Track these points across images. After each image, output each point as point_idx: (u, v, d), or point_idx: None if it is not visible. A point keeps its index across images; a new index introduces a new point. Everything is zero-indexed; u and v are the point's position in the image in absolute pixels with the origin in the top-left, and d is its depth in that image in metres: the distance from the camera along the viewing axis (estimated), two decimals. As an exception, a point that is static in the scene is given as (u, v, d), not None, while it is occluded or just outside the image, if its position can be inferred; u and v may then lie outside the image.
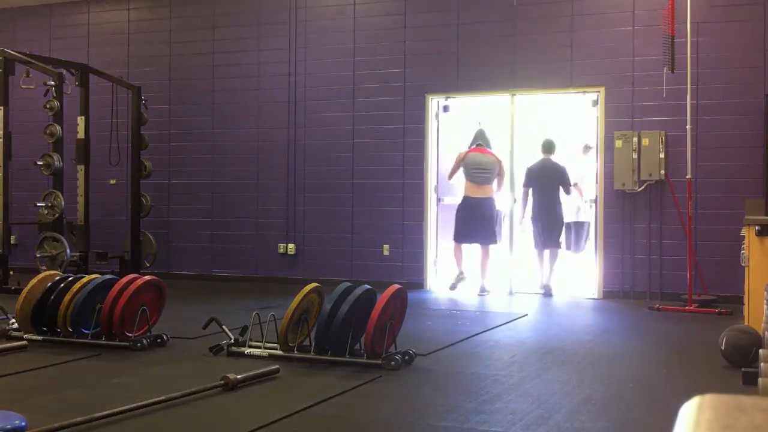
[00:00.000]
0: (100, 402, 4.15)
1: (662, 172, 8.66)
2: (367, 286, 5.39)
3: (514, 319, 7.46)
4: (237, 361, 5.29)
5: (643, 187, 8.79)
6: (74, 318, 5.83)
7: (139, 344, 5.71)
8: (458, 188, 9.67)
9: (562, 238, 9.67)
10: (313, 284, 5.61)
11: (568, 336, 6.77)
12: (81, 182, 9.92)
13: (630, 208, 8.88)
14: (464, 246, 9.42)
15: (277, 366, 4.96)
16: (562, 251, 9.73)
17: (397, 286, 5.41)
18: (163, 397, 4.19)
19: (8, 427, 3.08)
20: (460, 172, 9.48)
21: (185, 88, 10.83)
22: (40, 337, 5.99)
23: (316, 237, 10.15)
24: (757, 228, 5.83)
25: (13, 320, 6.27)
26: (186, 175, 10.80)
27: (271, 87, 10.38)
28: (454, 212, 9.65)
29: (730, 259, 8.03)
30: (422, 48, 9.74)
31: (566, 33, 9.15)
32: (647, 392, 4.66)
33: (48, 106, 9.38)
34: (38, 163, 9.41)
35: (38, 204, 9.40)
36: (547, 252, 9.40)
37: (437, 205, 9.82)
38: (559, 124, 11.05)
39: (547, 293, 9.18)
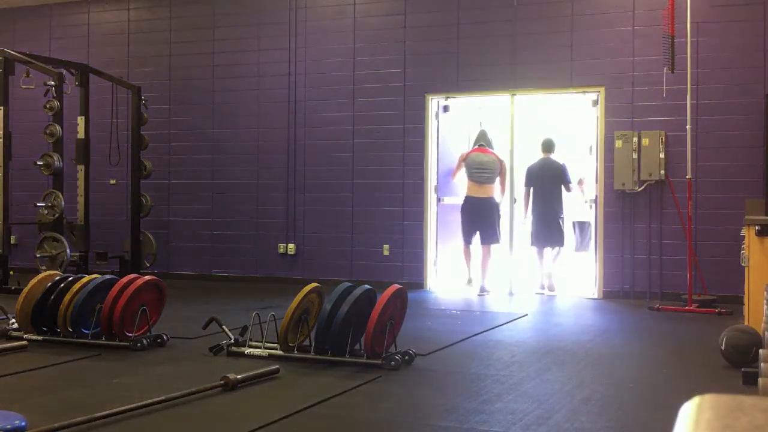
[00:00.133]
0: (100, 402, 4.15)
1: (662, 172, 8.66)
2: (367, 286, 5.39)
3: (514, 319, 7.46)
4: (237, 361, 5.29)
5: (643, 187, 8.79)
6: (74, 318, 5.83)
7: (139, 344, 5.71)
8: (461, 188, 9.69)
9: (571, 238, 9.74)
10: (313, 284, 5.62)
11: (568, 336, 6.77)
12: (81, 182, 9.92)
13: (630, 208, 8.89)
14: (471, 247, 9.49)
15: (277, 366, 4.96)
16: (565, 250, 9.75)
17: (397, 286, 5.41)
18: (163, 397, 4.18)
19: (8, 427, 3.08)
20: (462, 172, 9.51)
21: (185, 88, 10.83)
22: (40, 337, 5.99)
23: (316, 237, 10.15)
24: (757, 228, 5.83)
25: (13, 320, 6.27)
26: (186, 175, 10.80)
27: (271, 87, 10.38)
28: (454, 212, 9.70)
29: (730, 259, 8.03)
30: (422, 48, 9.74)
31: (566, 33, 9.15)
32: (647, 392, 4.66)
33: (48, 106, 9.38)
34: (38, 163, 9.41)
35: (38, 204, 9.40)
36: (548, 250, 9.45)
37: (437, 205, 9.82)
38: (559, 124, 11.07)
39: (551, 289, 9.26)
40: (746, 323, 5.75)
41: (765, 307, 4.47)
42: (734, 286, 7.68)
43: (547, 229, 9.41)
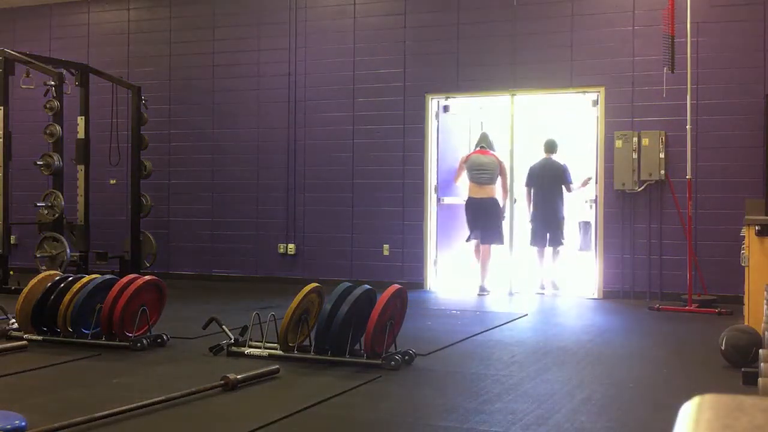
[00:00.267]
0: (100, 402, 4.15)
1: (662, 172, 8.66)
2: (367, 286, 5.39)
3: (514, 319, 7.46)
4: (237, 361, 5.29)
5: (643, 187, 8.79)
6: (74, 318, 5.83)
7: (139, 344, 5.71)
8: (463, 189, 9.71)
9: (576, 237, 9.77)
10: (313, 284, 5.61)
11: (568, 336, 6.77)
12: (81, 182, 9.92)
13: (630, 208, 8.88)
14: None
15: (277, 366, 4.96)
16: (564, 249, 9.77)
17: (397, 286, 5.41)
18: (163, 397, 4.19)
19: (8, 427, 3.08)
20: (464, 175, 9.54)
21: (185, 88, 10.83)
22: (40, 337, 5.99)
23: (316, 237, 10.15)
24: (757, 228, 5.83)
25: (13, 320, 6.27)
26: (186, 175, 10.80)
27: (271, 87, 10.38)
28: (454, 212, 9.73)
29: (730, 259, 8.03)
30: (422, 48, 9.74)
31: (566, 33, 9.15)
32: (647, 392, 4.66)
33: (48, 106, 9.38)
34: (38, 163, 9.40)
35: (38, 204, 9.40)
36: (549, 249, 9.47)
37: (437, 205, 9.82)
38: (559, 124, 11.08)
39: (554, 287, 9.31)
40: (746, 323, 5.75)
41: (765, 307, 4.47)
42: (734, 286, 7.68)
43: (547, 228, 9.45)
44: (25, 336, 6.00)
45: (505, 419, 4.01)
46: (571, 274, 9.91)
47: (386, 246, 9.79)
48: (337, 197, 10.03)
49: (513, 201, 9.73)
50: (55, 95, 9.32)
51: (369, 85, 9.90)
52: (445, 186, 9.90)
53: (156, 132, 10.67)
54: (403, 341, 5.53)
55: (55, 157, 9.38)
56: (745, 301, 5.99)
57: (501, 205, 9.45)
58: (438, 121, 9.83)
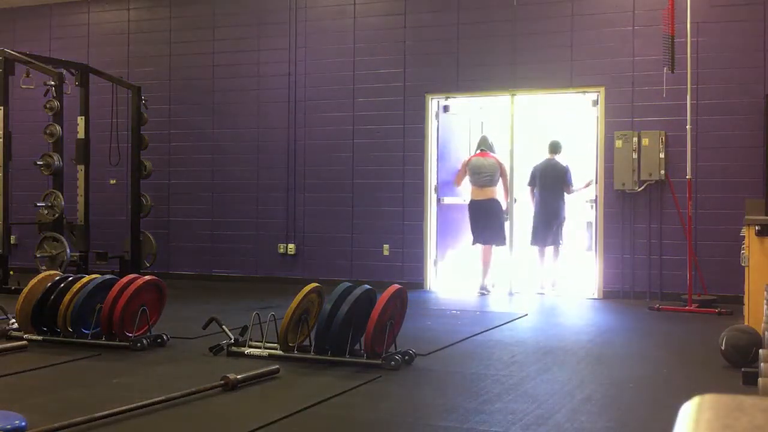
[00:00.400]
0: (100, 402, 4.15)
1: (662, 172, 8.66)
2: (367, 286, 5.39)
3: (514, 319, 7.46)
4: (237, 361, 5.29)
5: (643, 187, 8.79)
6: (74, 318, 5.83)
7: (139, 344, 5.71)
8: (464, 191, 9.73)
9: (584, 237, 9.78)
10: (313, 284, 5.62)
11: (568, 336, 6.77)
12: (81, 182, 9.92)
13: (630, 208, 8.88)
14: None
15: (277, 366, 4.96)
16: (564, 249, 9.78)
17: (397, 286, 5.41)
18: (163, 397, 4.19)
19: (8, 427, 3.08)
20: (466, 178, 9.57)
21: (185, 88, 10.83)
22: (40, 337, 5.99)
23: (316, 237, 10.15)
24: (757, 228, 5.83)
25: (13, 320, 6.27)
26: (186, 175, 10.80)
27: (271, 87, 10.38)
28: (454, 212, 9.75)
29: (730, 259, 8.03)
30: (422, 48, 9.74)
31: (566, 33, 9.15)
32: (647, 392, 4.66)
33: (48, 106, 9.38)
34: (38, 163, 9.40)
35: (38, 204, 9.40)
36: (550, 249, 9.49)
37: (437, 205, 9.82)
38: (559, 124, 11.08)
39: (554, 286, 9.31)
40: (746, 323, 5.75)
41: (765, 307, 4.47)
42: (734, 286, 7.67)
43: (548, 228, 9.47)
44: (25, 336, 6.00)
45: (505, 419, 4.01)
46: (572, 273, 9.92)
47: (386, 246, 9.79)
48: (337, 197, 10.03)
49: (514, 201, 9.73)
50: (55, 95, 9.32)
51: (369, 85, 9.90)
52: (445, 186, 9.90)
53: (156, 132, 10.67)
54: (403, 341, 5.53)
55: (55, 157, 9.38)
56: (745, 301, 5.99)
57: (503, 207, 9.45)
58: (438, 121, 9.83)
